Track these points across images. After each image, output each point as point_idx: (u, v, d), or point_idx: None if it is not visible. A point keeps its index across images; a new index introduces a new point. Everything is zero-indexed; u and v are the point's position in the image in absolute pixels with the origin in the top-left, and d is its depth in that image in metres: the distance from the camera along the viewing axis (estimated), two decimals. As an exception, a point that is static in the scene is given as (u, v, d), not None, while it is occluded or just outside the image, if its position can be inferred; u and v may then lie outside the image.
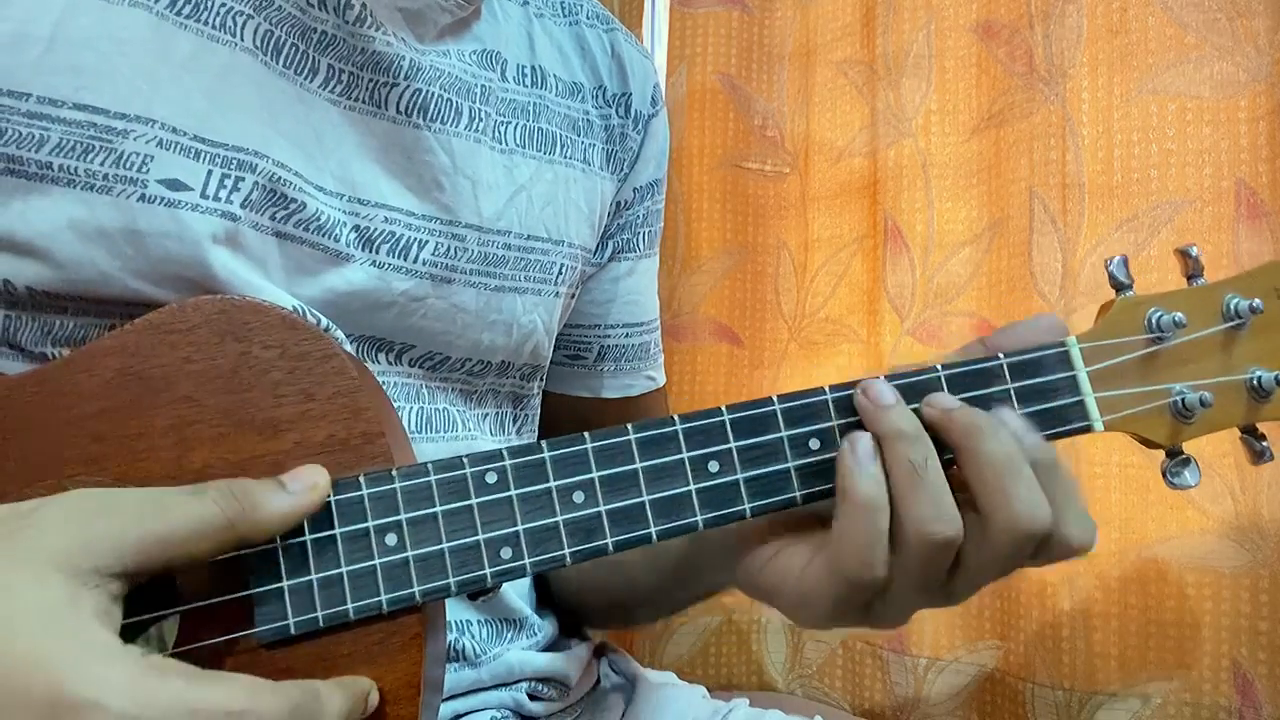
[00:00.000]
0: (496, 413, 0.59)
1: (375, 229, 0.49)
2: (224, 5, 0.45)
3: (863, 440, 0.39)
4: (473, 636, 0.53)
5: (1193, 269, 0.44)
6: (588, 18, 0.62)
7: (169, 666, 0.31)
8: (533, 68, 0.58)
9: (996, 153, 0.76)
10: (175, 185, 0.43)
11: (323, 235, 0.47)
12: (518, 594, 0.57)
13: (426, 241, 0.51)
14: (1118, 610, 0.68)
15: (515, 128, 0.56)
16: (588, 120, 0.60)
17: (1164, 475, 0.43)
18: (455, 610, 0.53)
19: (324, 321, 0.47)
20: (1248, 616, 0.64)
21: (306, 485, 0.36)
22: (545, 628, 0.59)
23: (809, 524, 0.42)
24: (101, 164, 0.41)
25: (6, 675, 0.29)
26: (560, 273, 0.58)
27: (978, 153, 0.77)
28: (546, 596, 0.63)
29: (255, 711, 0.31)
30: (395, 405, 0.51)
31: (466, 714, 0.53)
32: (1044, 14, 0.73)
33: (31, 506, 0.33)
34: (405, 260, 0.50)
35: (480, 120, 0.53)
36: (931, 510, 0.37)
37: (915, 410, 0.40)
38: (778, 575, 0.41)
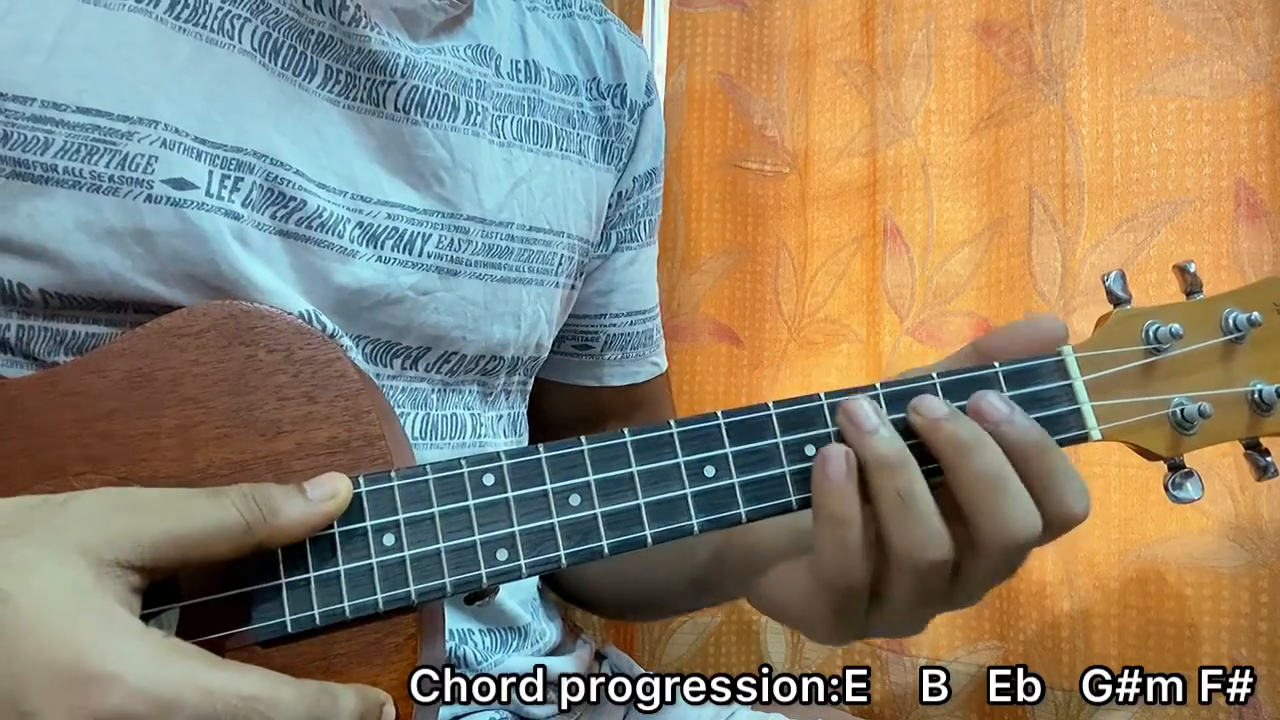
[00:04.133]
0: (510, 413, 0.59)
1: (378, 225, 0.49)
2: (221, 9, 0.46)
3: (834, 458, 0.38)
4: (474, 645, 0.53)
5: (1191, 285, 0.44)
6: (581, 9, 0.63)
7: (189, 649, 0.32)
8: (526, 62, 0.58)
9: (996, 152, 0.76)
10: (181, 184, 0.43)
11: (326, 232, 0.47)
12: (519, 603, 0.57)
13: (430, 235, 0.51)
14: (1117, 610, 0.68)
15: (512, 121, 0.56)
16: (582, 113, 0.60)
17: (1166, 489, 0.42)
18: (456, 619, 0.53)
19: (330, 327, 0.47)
20: (1248, 616, 0.64)
21: (327, 493, 0.37)
22: (548, 633, 0.59)
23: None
24: (106, 166, 0.42)
25: (31, 646, 0.30)
26: (560, 264, 0.58)
27: (977, 152, 0.77)
28: (548, 602, 0.63)
29: (270, 699, 0.32)
30: (400, 412, 0.51)
31: (465, 716, 0.53)
32: (1044, 14, 0.73)
33: (63, 498, 0.34)
34: (410, 254, 0.50)
35: (478, 114, 0.54)
36: (920, 535, 0.37)
37: (902, 418, 0.39)
38: (783, 594, 0.43)
